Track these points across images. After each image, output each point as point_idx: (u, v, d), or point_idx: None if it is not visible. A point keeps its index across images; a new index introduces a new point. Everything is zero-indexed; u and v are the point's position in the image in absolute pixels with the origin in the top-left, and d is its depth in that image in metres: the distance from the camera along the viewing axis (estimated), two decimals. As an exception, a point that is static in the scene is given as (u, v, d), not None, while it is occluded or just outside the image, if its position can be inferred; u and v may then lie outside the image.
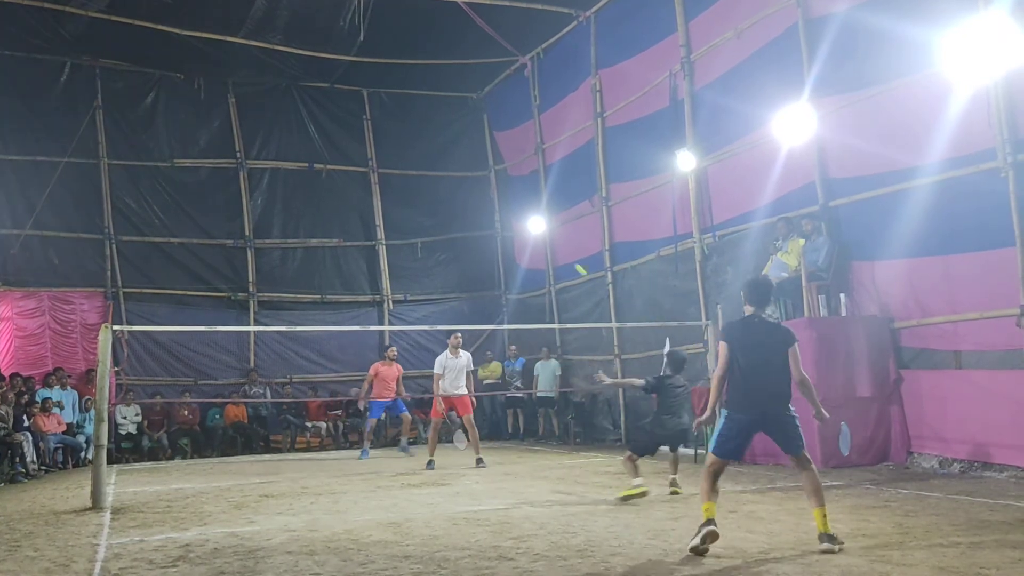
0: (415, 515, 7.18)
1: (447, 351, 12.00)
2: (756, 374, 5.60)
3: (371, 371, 13.99)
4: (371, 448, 14.11)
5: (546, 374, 15.98)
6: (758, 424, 5.65)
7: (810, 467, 5.55)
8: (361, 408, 15.45)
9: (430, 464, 11.53)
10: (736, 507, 6.89)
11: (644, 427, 8.36)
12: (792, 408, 5.61)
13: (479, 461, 11.54)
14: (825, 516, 5.31)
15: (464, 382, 11.95)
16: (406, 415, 14.31)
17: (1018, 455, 8.30)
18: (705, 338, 11.81)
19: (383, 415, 14.78)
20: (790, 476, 8.97)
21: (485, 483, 9.56)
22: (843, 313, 10.28)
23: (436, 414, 12.30)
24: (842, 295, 10.32)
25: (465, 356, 12.09)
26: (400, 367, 14.25)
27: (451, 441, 13.46)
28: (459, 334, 12.19)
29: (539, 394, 15.92)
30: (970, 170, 8.90)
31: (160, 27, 15.01)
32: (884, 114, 9.88)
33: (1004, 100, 8.52)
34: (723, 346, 5.74)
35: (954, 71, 8.78)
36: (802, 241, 10.61)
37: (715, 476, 5.61)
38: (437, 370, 11.98)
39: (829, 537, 5.22)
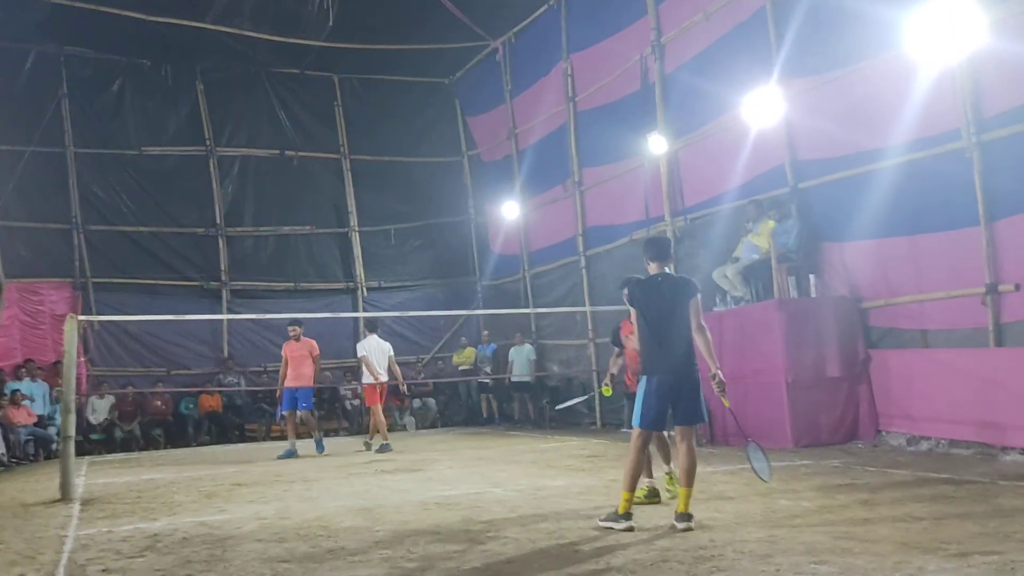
0: (387, 501, 7.17)
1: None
2: (666, 332, 5.67)
3: (283, 354, 12.74)
4: (291, 441, 12.43)
5: (520, 359, 16.01)
6: (674, 387, 5.67)
7: (692, 443, 5.70)
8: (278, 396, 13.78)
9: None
10: (706, 487, 6.94)
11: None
12: (697, 373, 5.74)
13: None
14: (689, 498, 5.50)
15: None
16: (304, 412, 12.54)
17: (983, 432, 8.42)
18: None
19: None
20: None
21: (458, 468, 9.57)
22: (813, 294, 10.36)
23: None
24: (812, 276, 10.40)
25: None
26: (314, 345, 12.62)
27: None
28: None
29: (514, 379, 15.96)
30: (936, 151, 8.97)
31: (125, 12, 14.77)
32: (851, 96, 9.93)
33: (968, 81, 8.58)
34: (633, 312, 5.83)
35: (919, 52, 8.82)
36: (772, 223, 10.66)
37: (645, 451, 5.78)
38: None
39: (687, 516, 5.40)
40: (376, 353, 12.63)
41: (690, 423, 5.77)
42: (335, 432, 16.37)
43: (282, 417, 14.00)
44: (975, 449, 8.47)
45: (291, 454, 11.93)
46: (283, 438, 15.18)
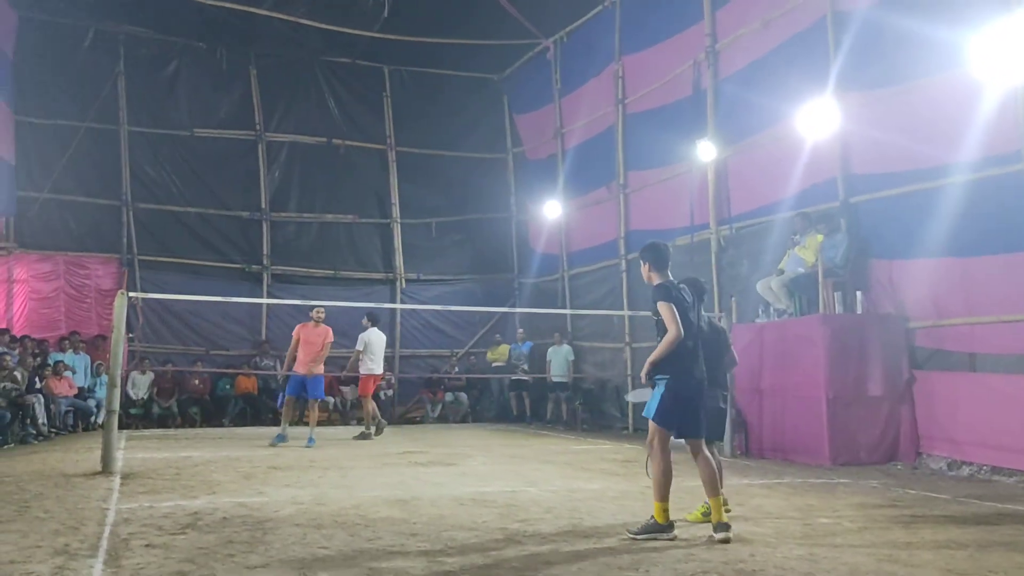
0: (422, 493, 7.20)
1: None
2: (694, 339, 5.60)
3: (294, 334, 12.09)
4: (284, 426, 11.94)
5: (558, 359, 16.00)
6: (697, 396, 5.58)
7: (706, 452, 5.62)
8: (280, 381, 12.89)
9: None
10: (743, 500, 6.89)
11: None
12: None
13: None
14: (720, 506, 5.40)
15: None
16: (316, 401, 12.14)
17: (1029, 460, 8.26)
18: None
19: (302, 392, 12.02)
20: (799, 472, 8.97)
21: (492, 464, 9.58)
22: (858, 311, 10.21)
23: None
24: (858, 292, 10.25)
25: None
26: (329, 332, 12.02)
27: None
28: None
29: (554, 378, 15.96)
30: (994, 172, 8.79)
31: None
32: (910, 112, 9.77)
33: (1032, 102, 8.42)
34: (671, 307, 5.48)
35: (981, 72, 8.67)
36: (820, 237, 10.54)
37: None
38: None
39: (725, 526, 5.30)
40: (377, 345, 12.96)
41: (700, 436, 5.65)
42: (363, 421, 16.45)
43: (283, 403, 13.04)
44: (1019, 477, 8.31)
45: (282, 439, 11.51)
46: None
